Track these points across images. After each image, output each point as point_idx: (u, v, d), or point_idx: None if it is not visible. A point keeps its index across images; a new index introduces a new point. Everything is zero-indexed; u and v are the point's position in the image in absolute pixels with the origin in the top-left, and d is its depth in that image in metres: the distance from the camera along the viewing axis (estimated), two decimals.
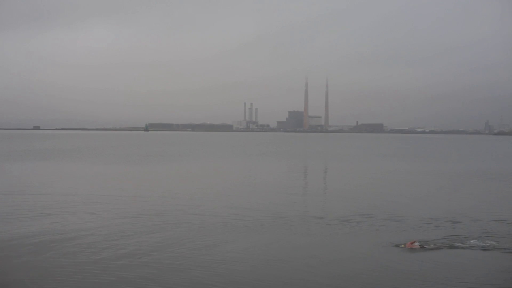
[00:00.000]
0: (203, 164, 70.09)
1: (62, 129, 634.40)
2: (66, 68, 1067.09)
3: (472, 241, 20.63)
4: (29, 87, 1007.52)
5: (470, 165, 71.39)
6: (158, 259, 18.22)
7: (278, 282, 15.96)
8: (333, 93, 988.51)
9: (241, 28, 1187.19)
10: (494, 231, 23.19)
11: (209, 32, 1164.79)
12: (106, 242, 20.52)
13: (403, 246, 19.78)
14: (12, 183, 42.56)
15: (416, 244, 19.66)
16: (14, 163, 65.91)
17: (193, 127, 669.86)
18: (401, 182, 47.09)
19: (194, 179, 48.73)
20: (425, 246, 19.72)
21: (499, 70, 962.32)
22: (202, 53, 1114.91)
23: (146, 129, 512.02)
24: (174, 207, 29.70)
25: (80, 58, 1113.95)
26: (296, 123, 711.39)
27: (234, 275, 16.49)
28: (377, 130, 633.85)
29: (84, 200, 31.90)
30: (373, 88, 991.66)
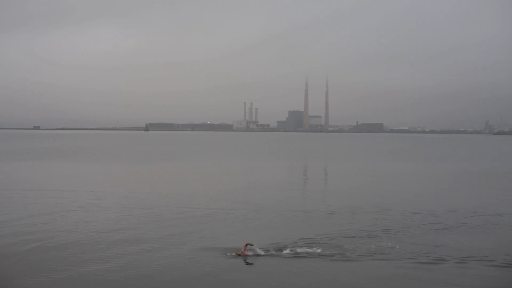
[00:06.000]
0: (202, 163, 70.14)
1: (62, 128, 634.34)
2: (68, 69, 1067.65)
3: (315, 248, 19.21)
4: (30, 87, 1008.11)
5: (467, 164, 71.49)
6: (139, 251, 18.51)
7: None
8: (333, 93, 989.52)
9: (246, 30, 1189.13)
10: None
11: (214, 34, 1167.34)
12: (94, 238, 20.65)
13: (234, 254, 18.26)
14: (10, 182, 42.66)
15: (249, 252, 18.26)
16: (13, 162, 65.98)
17: (193, 127, 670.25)
18: (397, 181, 47.22)
19: (191, 177, 48.86)
20: (261, 254, 18.27)
21: (499, 70, 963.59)
22: (206, 54, 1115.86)
23: (146, 129, 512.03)
24: (164, 202, 30.33)
25: (84, 59, 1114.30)
26: (296, 123, 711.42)
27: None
28: (377, 130, 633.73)
29: (78, 197, 31.96)
30: (373, 88, 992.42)
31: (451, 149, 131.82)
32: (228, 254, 18.35)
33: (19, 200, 31.00)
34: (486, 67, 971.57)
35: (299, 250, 18.99)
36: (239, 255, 18.18)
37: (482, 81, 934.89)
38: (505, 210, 29.47)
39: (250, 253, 18.29)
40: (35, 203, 29.71)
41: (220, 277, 16.23)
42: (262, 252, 18.45)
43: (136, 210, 27.74)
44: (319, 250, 19.00)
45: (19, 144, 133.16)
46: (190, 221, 24.77)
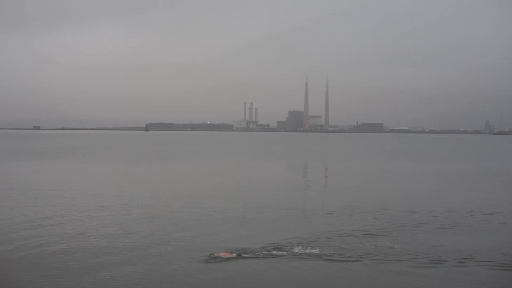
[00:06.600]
0: (201, 163, 70.20)
1: (62, 128, 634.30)
2: (68, 69, 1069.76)
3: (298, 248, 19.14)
4: (30, 87, 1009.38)
5: (467, 164, 71.54)
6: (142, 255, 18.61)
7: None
8: (333, 93, 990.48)
9: (246, 30, 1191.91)
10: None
11: (214, 34, 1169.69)
12: (90, 240, 20.75)
13: (217, 254, 18.01)
14: (11, 182, 42.76)
15: (234, 254, 18.12)
16: (13, 162, 66.06)
17: (193, 127, 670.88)
18: (396, 181, 47.31)
19: (190, 177, 48.96)
20: (243, 255, 18.08)
21: (499, 70, 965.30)
22: (206, 54, 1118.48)
23: (146, 129, 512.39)
24: (164, 202, 30.61)
25: (84, 59, 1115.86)
26: (296, 122, 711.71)
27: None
28: (377, 130, 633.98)
29: (78, 197, 32.07)
30: (373, 88, 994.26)
31: (451, 149, 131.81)
32: (214, 256, 18.02)
33: (20, 201, 31.01)
34: (486, 67, 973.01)
35: (296, 250, 18.94)
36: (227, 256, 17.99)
37: (482, 81, 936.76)
38: (504, 209, 29.52)
39: (233, 254, 18.12)
40: (36, 204, 29.69)
41: (217, 278, 16.22)
42: (250, 254, 18.29)
43: (136, 211, 27.78)
44: (316, 250, 18.95)
45: (19, 144, 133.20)
46: (189, 221, 24.82)
